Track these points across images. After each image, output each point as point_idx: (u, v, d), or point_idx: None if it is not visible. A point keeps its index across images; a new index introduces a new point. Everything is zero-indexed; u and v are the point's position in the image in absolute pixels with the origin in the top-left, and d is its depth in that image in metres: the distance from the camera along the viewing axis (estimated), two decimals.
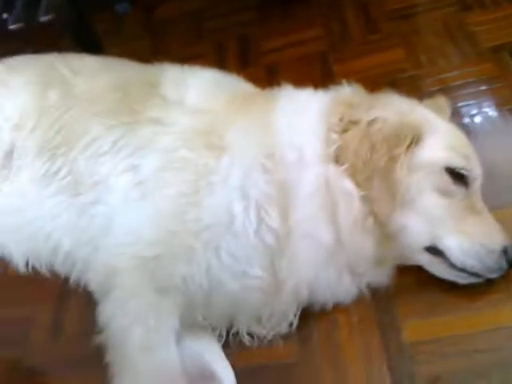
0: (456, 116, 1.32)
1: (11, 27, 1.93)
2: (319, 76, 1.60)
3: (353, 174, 1.01)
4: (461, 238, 1.00)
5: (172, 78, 1.19)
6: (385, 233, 1.03)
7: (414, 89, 1.44)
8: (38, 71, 1.29)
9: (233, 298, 1.01)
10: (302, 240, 1.01)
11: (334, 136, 1.03)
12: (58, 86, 1.23)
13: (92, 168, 1.12)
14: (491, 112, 1.37)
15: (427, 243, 1.03)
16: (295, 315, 1.06)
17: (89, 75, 1.24)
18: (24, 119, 1.22)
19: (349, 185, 1.01)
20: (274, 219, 0.99)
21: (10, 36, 1.96)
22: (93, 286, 1.04)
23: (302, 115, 1.08)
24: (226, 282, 0.99)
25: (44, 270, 1.25)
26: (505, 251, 0.99)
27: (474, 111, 1.38)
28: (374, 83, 1.23)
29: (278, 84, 1.17)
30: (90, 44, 1.78)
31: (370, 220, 1.01)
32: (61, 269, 1.21)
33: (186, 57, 1.77)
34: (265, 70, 1.69)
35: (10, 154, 1.22)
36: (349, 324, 1.06)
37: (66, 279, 1.23)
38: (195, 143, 1.04)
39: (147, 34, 2.02)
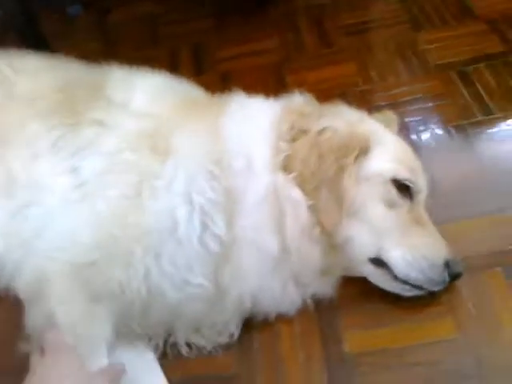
0: (403, 131, 1.34)
1: None
2: (272, 86, 1.59)
3: (301, 183, 1.00)
4: (405, 250, 1.00)
5: (119, 80, 1.15)
6: (331, 243, 1.02)
7: (364, 103, 1.46)
8: None
9: (172, 307, 0.98)
10: (247, 248, 0.99)
11: (284, 144, 1.02)
12: None
13: (28, 169, 1.06)
14: (437, 128, 1.40)
15: (372, 254, 1.03)
16: (237, 326, 1.04)
17: (31, 74, 1.18)
18: None
19: (297, 194, 0.99)
20: (219, 226, 0.96)
21: None
22: (21, 292, 0.98)
23: (252, 122, 1.06)
24: (165, 290, 0.96)
25: None
26: (447, 265, 1.00)
27: (421, 127, 1.41)
28: (326, 95, 1.23)
29: (231, 91, 1.16)
30: (37, 42, 1.72)
31: (317, 230, 1.00)
32: None
33: (139, 60, 1.74)
34: (218, 78, 1.67)
35: None
36: (291, 335, 1.05)
37: None
38: (139, 146, 1.01)
39: (100, 36, 1.98)
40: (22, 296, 0.98)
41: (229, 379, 1.00)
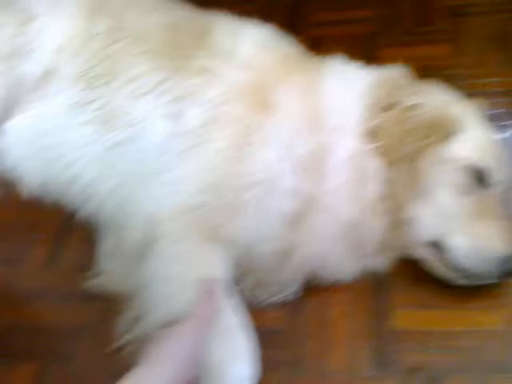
0: (490, 123, 1.31)
1: None
2: (362, 57, 1.56)
3: (382, 154, 1.02)
4: (466, 238, 1.01)
5: (226, 28, 1.15)
6: (396, 219, 1.04)
7: (454, 87, 1.42)
8: None
9: (255, 260, 1.01)
10: (324, 211, 1.02)
11: (375, 112, 1.04)
12: (108, 15, 1.18)
13: (130, 106, 1.08)
14: None
15: (432, 238, 1.04)
16: (297, 287, 1.08)
17: (141, 12, 1.20)
18: (68, 43, 1.17)
19: (376, 164, 1.02)
20: (309, 184, 1.00)
21: None
22: (132, 242, 1.00)
23: (350, 85, 1.09)
24: (264, 241, 0.99)
25: (52, 199, 1.21)
26: (507, 260, 1.00)
27: (510, 121, 1.37)
28: (416, 74, 1.21)
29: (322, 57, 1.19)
30: None
31: (387, 204, 1.02)
32: (73, 200, 1.17)
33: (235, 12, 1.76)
34: (309, 42, 1.65)
35: (46, 76, 1.18)
36: (341, 303, 1.08)
37: (71, 212, 1.20)
38: (245, 98, 1.03)
39: None
40: (132, 245, 1.00)
41: (274, 334, 1.05)
